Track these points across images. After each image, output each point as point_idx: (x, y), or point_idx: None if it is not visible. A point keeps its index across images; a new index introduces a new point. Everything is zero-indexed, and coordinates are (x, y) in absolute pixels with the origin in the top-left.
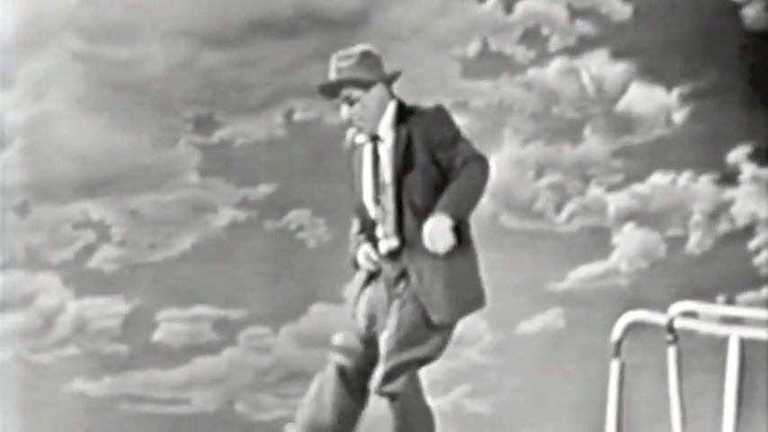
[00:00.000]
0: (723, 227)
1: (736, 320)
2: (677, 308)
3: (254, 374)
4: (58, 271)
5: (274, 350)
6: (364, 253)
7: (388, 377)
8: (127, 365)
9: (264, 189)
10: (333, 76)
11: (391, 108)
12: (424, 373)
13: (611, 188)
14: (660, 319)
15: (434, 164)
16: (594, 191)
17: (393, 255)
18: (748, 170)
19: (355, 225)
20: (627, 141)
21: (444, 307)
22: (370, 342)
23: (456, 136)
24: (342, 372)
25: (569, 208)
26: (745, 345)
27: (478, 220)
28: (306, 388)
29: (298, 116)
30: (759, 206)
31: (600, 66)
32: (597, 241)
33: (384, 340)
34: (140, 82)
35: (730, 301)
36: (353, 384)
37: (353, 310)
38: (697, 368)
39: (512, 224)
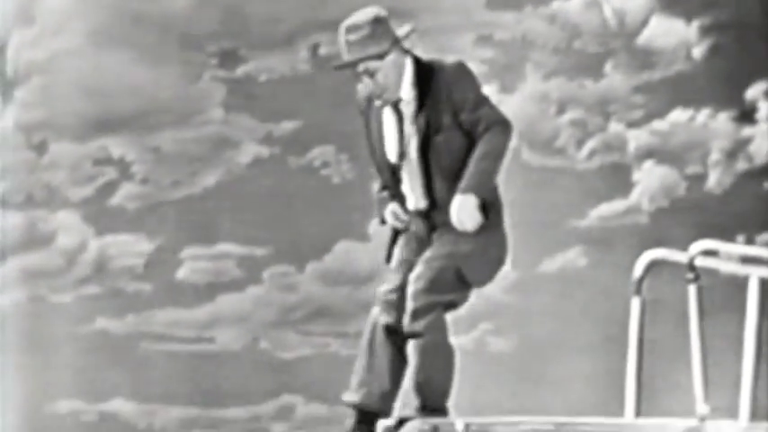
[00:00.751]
0: (741, 165)
1: (757, 260)
2: (697, 246)
3: (278, 312)
4: (78, 209)
5: (299, 288)
6: (392, 212)
7: (414, 316)
8: (150, 304)
9: (288, 125)
10: (345, 52)
11: (409, 67)
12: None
13: (632, 125)
14: (681, 257)
15: (458, 125)
16: (615, 127)
17: (422, 214)
18: (765, 107)
19: (377, 183)
20: (647, 77)
21: (479, 269)
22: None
23: (478, 96)
24: (390, 331)
25: (590, 145)
26: (765, 284)
27: None
28: (331, 326)
29: (323, 50)
30: None
31: None
32: (618, 179)
33: (412, 279)
34: (162, 15)
35: (750, 241)
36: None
37: (389, 264)
38: (718, 307)
39: (534, 161)
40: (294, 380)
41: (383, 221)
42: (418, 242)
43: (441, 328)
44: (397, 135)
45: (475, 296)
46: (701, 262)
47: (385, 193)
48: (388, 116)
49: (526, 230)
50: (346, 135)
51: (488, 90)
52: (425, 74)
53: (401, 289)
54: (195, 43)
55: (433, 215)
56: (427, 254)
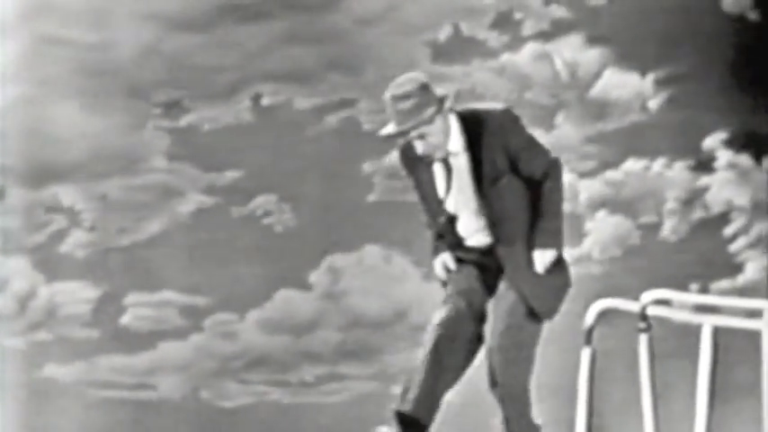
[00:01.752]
0: (697, 214)
1: (711, 309)
2: (650, 295)
3: (218, 361)
4: (30, 255)
5: (239, 336)
6: (442, 262)
7: (500, 369)
8: (96, 350)
9: (231, 174)
10: (397, 121)
11: (454, 123)
12: (392, 363)
13: (584, 175)
14: (633, 306)
15: (516, 170)
16: (567, 177)
17: (483, 253)
18: (724, 156)
19: (432, 231)
20: (600, 127)
21: (546, 298)
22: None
23: (530, 139)
24: (447, 339)
25: None
26: (718, 333)
27: None
28: (271, 375)
29: (265, 101)
30: (735, 193)
31: (574, 51)
32: (569, 228)
33: (489, 333)
34: (110, 66)
35: (704, 290)
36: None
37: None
38: (670, 356)
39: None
40: (234, 429)
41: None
42: (479, 281)
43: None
44: (446, 185)
45: (418, 347)
46: (652, 311)
47: (441, 244)
48: (438, 169)
49: None
50: (288, 184)
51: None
52: (472, 123)
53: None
54: (140, 93)
55: (499, 250)
56: (492, 306)
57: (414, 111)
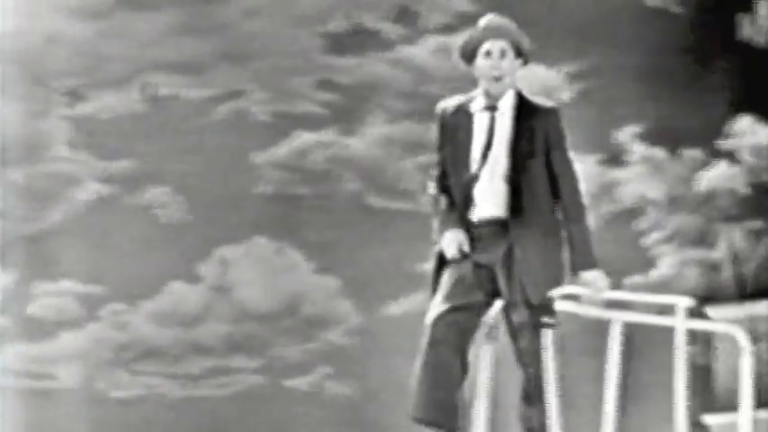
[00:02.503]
0: (608, 208)
1: (620, 305)
2: (557, 291)
3: (112, 351)
4: None
5: (132, 327)
6: (458, 242)
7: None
8: (4, 339)
9: (125, 164)
10: (491, 27)
11: (513, 90)
12: (282, 355)
13: None
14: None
15: (548, 161)
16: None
17: (492, 226)
18: (638, 150)
19: (443, 201)
20: None
21: (539, 287)
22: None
23: (564, 144)
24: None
25: None
26: (632, 330)
27: (341, 199)
28: (161, 366)
29: (158, 91)
30: (648, 187)
31: None
32: None
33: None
34: (14, 54)
35: (616, 285)
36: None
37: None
38: (581, 352)
39: (377, 204)
40: (124, 421)
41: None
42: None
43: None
44: (486, 138)
45: (312, 340)
46: (560, 306)
47: (453, 217)
48: (480, 120)
49: (370, 274)
50: (179, 175)
51: (329, 134)
52: (526, 104)
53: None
54: (44, 81)
55: (512, 224)
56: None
57: (508, 30)
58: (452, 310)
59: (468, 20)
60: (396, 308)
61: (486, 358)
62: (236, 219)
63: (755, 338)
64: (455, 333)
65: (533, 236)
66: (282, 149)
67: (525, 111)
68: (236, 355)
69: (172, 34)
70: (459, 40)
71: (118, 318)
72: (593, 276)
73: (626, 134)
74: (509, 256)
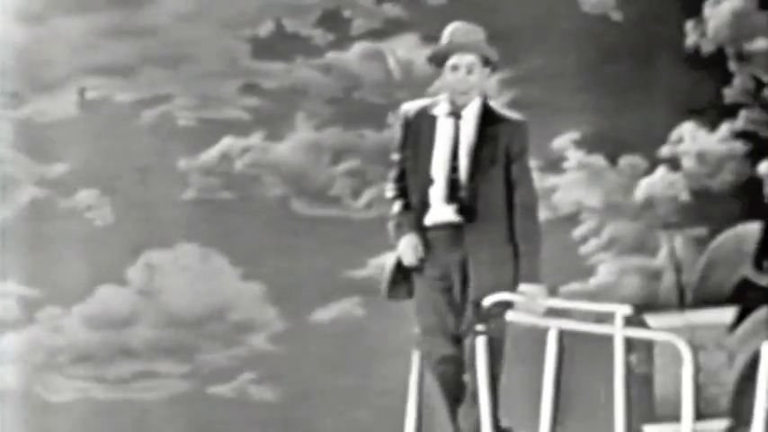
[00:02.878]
0: (545, 215)
1: (557, 312)
2: (491, 298)
3: (48, 354)
4: None
5: (66, 331)
6: (414, 247)
7: None
8: None
9: (59, 168)
10: (462, 40)
11: (479, 99)
12: (208, 360)
13: None
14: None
15: (508, 172)
16: None
17: (447, 230)
18: (575, 157)
19: (398, 203)
20: None
21: (485, 293)
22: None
23: (525, 157)
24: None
25: (369, 194)
26: (570, 338)
27: (268, 205)
28: (92, 370)
29: (90, 94)
30: (585, 194)
31: (409, 50)
32: None
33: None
34: None
35: (553, 293)
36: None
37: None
38: (520, 360)
39: (304, 210)
40: (58, 425)
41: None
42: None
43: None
44: (449, 144)
45: (237, 345)
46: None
47: (408, 218)
48: (444, 125)
49: (296, 280)
50: (108, 179)
51: (255, 139)
52: (493, 114)
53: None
54: None
55: (466, 230)
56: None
57: (475, 42)
58: (442, 361)
59: (398, 26)
60: (323, 314)
61: (416, 365)
62: (163, 224)
63: (696, 348)
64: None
65: (486, 243)
66: (209, 155)
67: (490, 119)
68: (164, 360)
69: (105, 37)
70: (388, 45)
71: (54, 321)
72: (533, 290)
73: (563, 141)
74: (464, 264)
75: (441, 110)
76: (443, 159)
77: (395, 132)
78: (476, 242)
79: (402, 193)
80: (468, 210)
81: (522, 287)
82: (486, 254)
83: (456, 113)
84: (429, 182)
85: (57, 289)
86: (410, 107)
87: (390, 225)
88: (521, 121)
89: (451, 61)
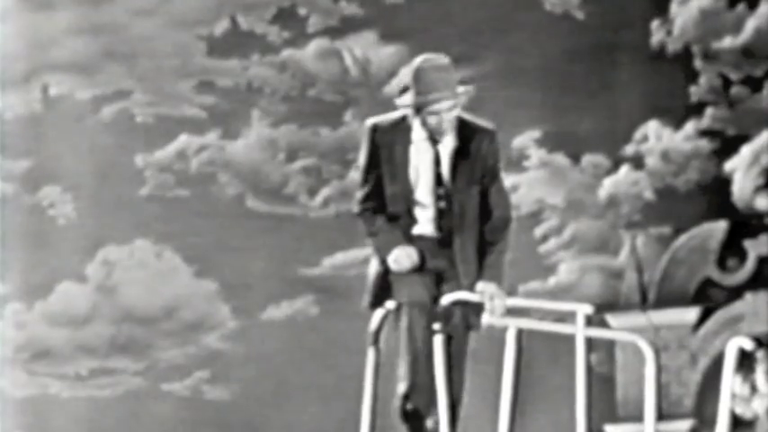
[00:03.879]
0: None
1: (515, 311)
2: (448, 298)
3: (12, 350)
4: None
5: (28, 327)
6: (408, 254)
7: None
8: None
9: (24, 163)
10: (436, 89)
11: (455, 113)
12: (162, 358)
13: None
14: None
15: (482, 185)
16: (355, 175)
17: (433, 240)
18: (536, 156)
19: (380, 219)
20: None
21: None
22: None
23: (498, 167)
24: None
25: (325, 192)
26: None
27: (222, 202)
28: (53, 367)
29: (52, 91)
30: (547, 192)
31: (366, 48)
32: (356, 227)
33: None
34: None
35: (512, 292)
36: None
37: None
38: (477, 360)
39: (259, 207)
40: (25, 420)
41: (383, 262)
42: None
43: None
44: (432, 171)
45: (190, 344)
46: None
47: (394, 231)
48: (422, 149)
49: (249, 278)
50: (69, 175)
51: (210, 136)
52: (467, 127)
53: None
54: None
55: (455, 253)
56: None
57: (451, 84)
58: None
59: (354, 24)
60: (276, 312)
61: (371, 363)
62: (120, 220)
63: (659, 348)
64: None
65: (469, 248)
66: (165, 152)
67: (466, 134)
68: (119, 357)
69: (66, 34)
70: (345, 43)
71: (17, 317)
72: (490, 289)
73: (524, 139)
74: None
75: (417, 135)
76: (428, 186)
77: (360, 143)
78: (460, 248)
79: (380, 208)
80: (446, 226)
81: (480, 285)
82: (469, 257)
83: (434, 139)
84: (412, 201)
85: (20, 285)
86: (379, 122)
87: (376, 238)
88: (493, 131)
89: (429, 109)
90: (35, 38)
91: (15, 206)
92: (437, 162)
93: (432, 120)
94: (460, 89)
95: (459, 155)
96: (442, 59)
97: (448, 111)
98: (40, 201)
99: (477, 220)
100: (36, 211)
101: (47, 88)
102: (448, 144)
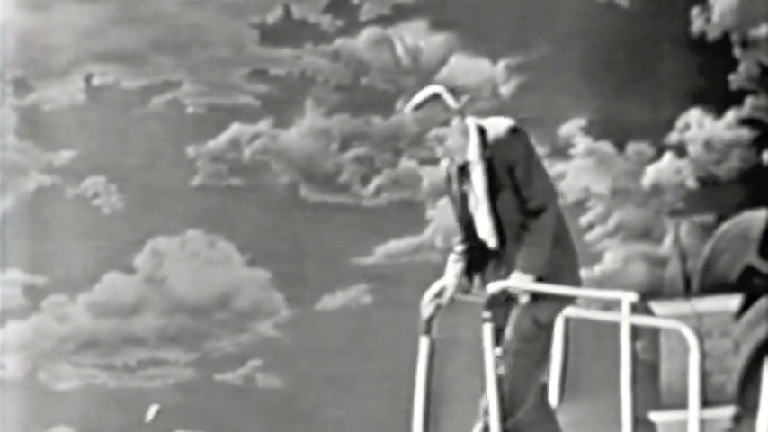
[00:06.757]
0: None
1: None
2: (494, 286)
3: (54, 342)
4: None
5: (71, 318)
6: (456, 274)
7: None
8: None
9: (66, 155)
10: (416, 125)
11: (473, 132)
12: (213, 349)
13: (425, 162)
14: (476, 296)
15: (514, 183)
16: (407, 164)
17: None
18: (582, 144)
19: (458, 237)
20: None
21: (546, 305)
22: None
23: (521, 158)
24: None
25: (377, 181)
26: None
27: (276, 191)
28: (99, 358)
29: (96, 81)
30: (592, 181)
31: (416, 36)
32: (409, 216)
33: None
34: None
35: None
36: None
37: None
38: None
39: (312, 196)
40: (65, 413)
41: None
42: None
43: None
44: (463, 191)
45: (243, 332)
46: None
47: (458, 254)
48: (459, 177)
49: (303, 267)
50: (115, 165)
51: (263, 125)
52: (485, 135)
53: None
54: None
55: (502, 253)
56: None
57: (430, 114)
58: None
59: (406, 11)
60: (330, 301)
61: (424, 351)
62: (170, 210)
63: (702, 335)
64: None
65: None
66: (217, 142)
67: (490, 146)
68: (169, 347)
69: (111, 24)
70: (397, 31)
71: (59, 309)
72: (521, 279)
73: (570, 127)
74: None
75: (452, 167)
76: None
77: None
78: (508, 255)
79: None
80: (499, 237)
81: (514, 275)
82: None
83: (463, 166)
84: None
85: (62, 277)
86: (444, 167)
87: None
88: (510, 133)
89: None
90: (77, 28)
91: (56, 198)
92: (467, 181)
93: (438, 150)
94: (440, 116)
95: (489, 167)
96: (419, 97)
97: (440, 140)
98: (84, 192)
99: (518, 220)
100: (79, 203)
101: (90, 78)
102: (476, 163)
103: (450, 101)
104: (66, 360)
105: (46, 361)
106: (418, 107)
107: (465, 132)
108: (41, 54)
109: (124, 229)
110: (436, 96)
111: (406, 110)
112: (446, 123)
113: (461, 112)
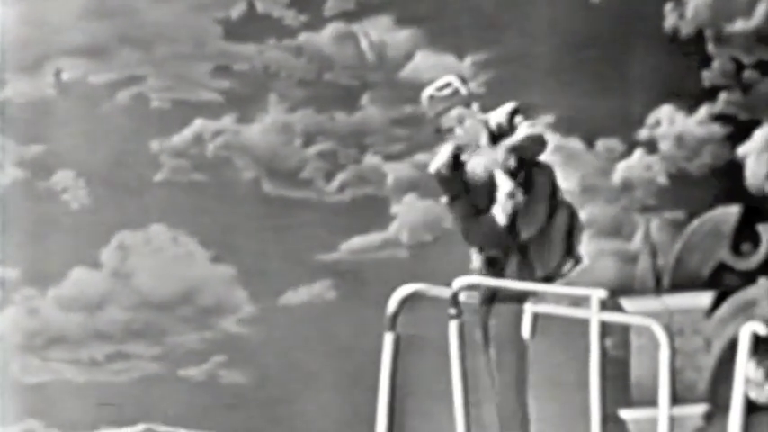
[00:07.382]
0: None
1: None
2: (460, 281)
3: (24, 336)
4: None
5: (41, 312)
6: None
7: None
8: None
9: (36, 149)
10: (432, 108)
11: (482, 126)
12: (177, 344)
13: (390, 157)
14: (443, 292)
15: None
16: (371, 160)
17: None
18: (550, 140)
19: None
20: (410, 110)
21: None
22: None
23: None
24: None
25: (341, 177)
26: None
27: (239, 187)
28: (66, 352)
29: (65, 76)
30: (561, 176)
31: (381, 32)
32: (374, 212)
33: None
34: None
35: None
36: None
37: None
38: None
39: (275, 192)
40: (33, 407)
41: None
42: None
43: None
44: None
45: (207, 329)
46: (464, 297)
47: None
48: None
49: (267, 263)
50: (83, 160)
51: (226, 121)
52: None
53: None
54: None
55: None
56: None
57: (447, 98)
58: None
59: (370, 7)
60: (294, 297)
61: (388, 348)
62: (136, 205)
63: (673, 332)
64: None
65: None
66: (181, 137)
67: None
68: (135, 342)
69: (81, 18)
70: (361, 27)
71: (29, 303)
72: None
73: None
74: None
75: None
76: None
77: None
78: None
79: None
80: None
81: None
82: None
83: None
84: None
85: (33, 271)
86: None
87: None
88: (513, 108)
89: (444, 126)
90: (47, 23)
91: (27, 191)
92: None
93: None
94: (455, 100)
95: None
96: (438, 82)
97: (459, 120)
98: (52, 186)
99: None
100: (49, 197)
101: (59, 73)
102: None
103: (462, 89)
104: (36, 354)
105: (16, 355)
106: (433, 95)
107: (478, 119)
108: (14, 48)
109: (91, 224)
110: (448, 85)
111: (422, 97)
112: (468, 103)
113: (473, 99)
